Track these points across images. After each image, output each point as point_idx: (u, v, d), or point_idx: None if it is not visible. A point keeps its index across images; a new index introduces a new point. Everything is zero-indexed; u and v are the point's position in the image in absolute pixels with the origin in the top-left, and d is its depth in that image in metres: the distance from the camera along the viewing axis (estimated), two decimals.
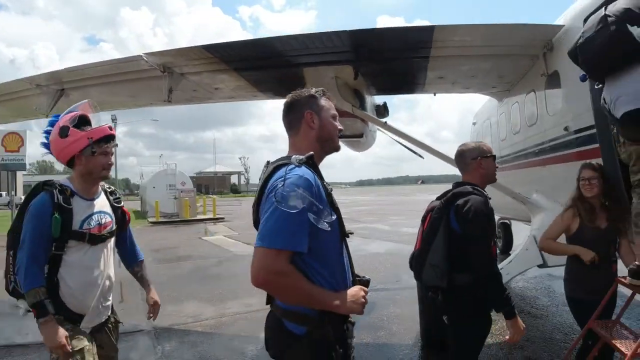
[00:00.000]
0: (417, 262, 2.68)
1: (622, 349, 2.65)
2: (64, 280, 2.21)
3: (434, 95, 6.74)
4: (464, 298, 2.53)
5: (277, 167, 1.67)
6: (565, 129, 4.22)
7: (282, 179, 1.57)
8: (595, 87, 3.32)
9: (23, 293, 2.12)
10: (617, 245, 3.18)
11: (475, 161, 2.73)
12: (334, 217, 1.67)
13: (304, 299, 1.60)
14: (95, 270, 2.31)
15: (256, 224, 1.71)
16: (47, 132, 2.38)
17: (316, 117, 1.81)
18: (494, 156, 2.80)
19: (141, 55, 4.55)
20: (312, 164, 1.70)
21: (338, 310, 1.64)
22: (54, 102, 5.91)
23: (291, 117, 1.84)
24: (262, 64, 4.86)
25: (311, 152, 1.71)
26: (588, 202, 3.19)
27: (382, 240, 13.60)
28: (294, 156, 1.67)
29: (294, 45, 4.43)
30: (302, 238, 1.53)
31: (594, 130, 3.71)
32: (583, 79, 3.20)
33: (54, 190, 2.20)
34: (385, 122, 5.77)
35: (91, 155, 2.27)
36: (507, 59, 4.87)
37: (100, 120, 2.37)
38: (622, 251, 3.16)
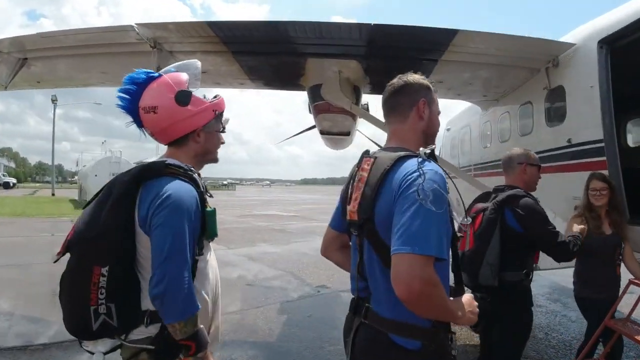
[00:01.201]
0: (472, 261, 2.69)
1: None
2: (197, 287, 1.70)
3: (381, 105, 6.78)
4: (513, 295, 2.69)
5: (402, 159, 1.51)
6: (568, 141, 4.38)
7: (419, 173, 1.41)
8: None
9: (174, 322, 1.54)
10: (621, 249, 3.42)
11: (520, 166, 2.93)
12: (466, 220, 1.57)
13: (443, 312, 1.45)
14: (215, 277, 1.91)
15: (350, 217, 1.62)
16: (132, 92, 1.75)
17: (427, 109, 1.69)
18: (540, 166, 3.00)
19: (132, 26, 4.14)
20: (434, 158, 1.55)
21: (459, 322, 1.52)
22: (13, 72, 5.28)
23: (401, 100, 1.71)
24: (264, 49, 4.62)
25: (433, 146, 1.59)
26: (595, 211, 3.41)
27: None
28: (421, 149, 1.54)
29: (307, 32, 4.25)
30: (447, 243, 1.40)
31: (600, 145, 3.89)
32: None
33: (194, 175, 1.75)
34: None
35: (211, 132, 1.87)
36: (509, 69, 5.00)
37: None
38: (626, 255, 3.43)
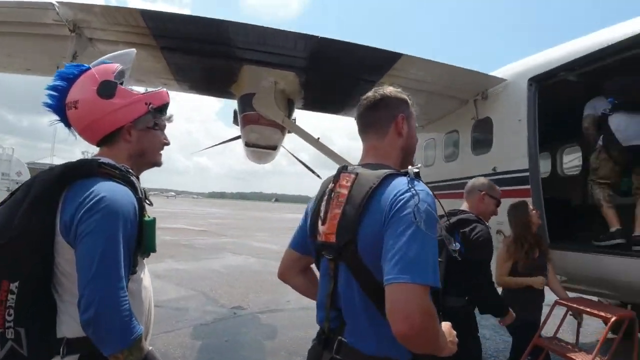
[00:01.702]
0: None
1: (580, 358, 3.07)
2: None
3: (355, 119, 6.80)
4: (456, 321, 2.53)
5: (389, 177, 1.35)
6: (494, 169, 4.60)
7: (412, 193, 1.26)
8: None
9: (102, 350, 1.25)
10: (546, 271, 3.60)
11: (480, 193, 2.99)
12: (455, 245, 1.45)
13: (435, 346, 1.28)
14: (149, 302, 1.59)
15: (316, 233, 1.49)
16: (60, 88, 1.52)
17: (406, 124, 1.55)
18: (499, 202, 3.08)
19: (53, 3, 3.54)
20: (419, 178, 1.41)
21: (443, 353, 1.35)
22: None
23: (380, 114, 1.54)
24: (199, 49, 4.23)
25: (419, 165, 1.43)
26: (531, 235, 3.58)
27: (256, 257, 13.09)
28: (410, 167, 1.38)
29: (249, 36, 3.98)
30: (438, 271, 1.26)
31: (525, 174, 4.13)
32: None
33: (131, 177, 1.45)
34: (318, 139, 5.57)
35: (147, 128, 1.58)
36: (441, 98, 5.18)
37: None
38: (550, 278, 3.63)
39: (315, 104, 6.01)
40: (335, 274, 1.43)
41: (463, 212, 2.90)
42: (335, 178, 1.50)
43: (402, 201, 1.26)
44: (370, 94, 1.60)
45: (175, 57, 4.28)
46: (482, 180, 3.11)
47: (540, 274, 3.51)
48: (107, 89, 1.49)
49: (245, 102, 5.41)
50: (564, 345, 3.43)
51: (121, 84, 1.53)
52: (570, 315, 3.50)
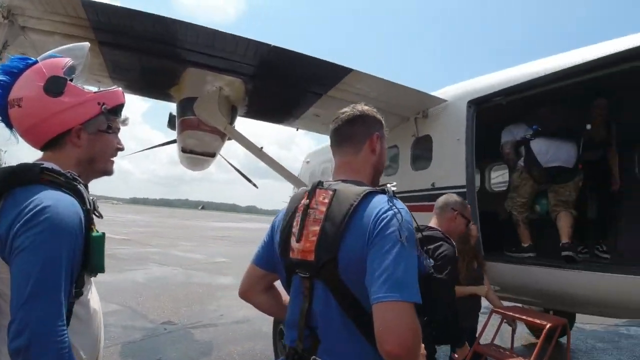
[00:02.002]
0: None
1: None
2: (75, 345, 1.24)
3: (297, 130, 6.79)
4: None
5: (369, 194, 1.35)
6: (432, 184, 4.81)
7: (394, 212, 1.28)
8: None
9: None
10: (483, 282, 3.82)
11: (454, 212, 2.98)
12: (430, 261, 1.47)
13: None
14: (98, 327, 1.43)
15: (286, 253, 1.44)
16: (2, 84, 1.34)
17: (380, 144, 1.59)
18: (470, 221, 3.13)
19: None
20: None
21: None
22: None
23: (357, 129, 1.56)
24: (141, 46, 3.97)
25: (395, 183, 1.43)
26: (470, 248, 3.77)
27: (183, 268, 12.49)
28: (388, 184, 1.39)
29: (198, 38, 3.81)
30: None
31: (463, 190, 4.36)
32: None
33: (78, 186, 1.29)
34: (262, 149, 5.46)
35: (99, 132, 1.43)
36: (383, 113, 5.25)
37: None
38: (487, 287, 3.81)
39: (258, 112, 5.90)
40: (309, 293, 1.37)
41: (431, 228, 2.88)
42: (310, 194, 1.45)
43: (386, 219, 1.26)
44: (348, 109, 1.60)
45: (115, 54, 3.97)
46: (456, 198, 3.08)
47: (479, 284, 3.71)
48: (55, 85, 1.34)
49: (186, 106, 5.17)
50: (502, 351, 3.65)
51: (71, 80, 1.38)
52: (505, 322, 3.71)
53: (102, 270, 1.31)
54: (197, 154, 6.70)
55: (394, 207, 1.29)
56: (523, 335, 5.76)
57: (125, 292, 8.33)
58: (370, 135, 1.56)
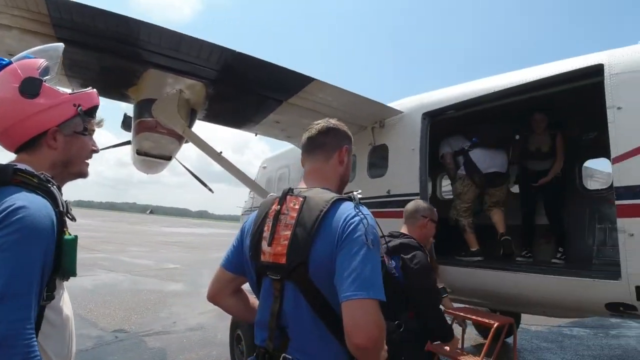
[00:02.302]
0: None
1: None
2: (47, 351, 1.24)
3: (255, 135, 6.82)
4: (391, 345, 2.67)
5: (337, 201, 1.47)
6: (388, 191, 5.02)
7: (360, 217, 1.41)
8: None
9: None
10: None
11: (424, 219, 3.16)
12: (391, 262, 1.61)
13: (381, 358, 1.40)
14: (70, 331, 1.41)
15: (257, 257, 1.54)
16: None
17: (347, 157, 1.74)
18: (438, 224, 3.32)
19: None
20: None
21: None
22: None
23: (328, 141, 1.72)
24: (102, 45, 3.88)
25: (360, 191, 1.57)
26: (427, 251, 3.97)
27: (133, 274, 12.04)
28: (354, 192, 1.53)
29: (162, 40, 3.79)
30: None
31: (417, 197, 4.59)
32: None
33: (51, 187, 1.28)
34: (220, 153, 5.46)
35: (75, 134, 1.42)
36: (342, 122, 5.49)
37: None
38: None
39: (218, 116, 5.88)
40: (281, 294, 1.46)
41: (404, 235, 3.03)
42: (281, 200, 1.55)
43: (353, 224, 1.38)
44: (322, 122, 1.76)
45: (73, 52, 3.85)
46: (424, 204, 3.27)
47: None
48: (30, 86, 1.33)
49: (144, 108, 5.08)
50: (451, 350, 3.82)
51: (45, 81, 1.37)
52: (456, 322, 3.92)
53: (74, 274, 1.31)
54: (153, 157, 6.58)
55: (361, 213, 1.41)
56: (472, 336, 6.07)
57: (73, 299, 7.70)
58: (340, 147, 1.70)
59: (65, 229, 1.28)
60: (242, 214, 10.86)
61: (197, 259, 17.31)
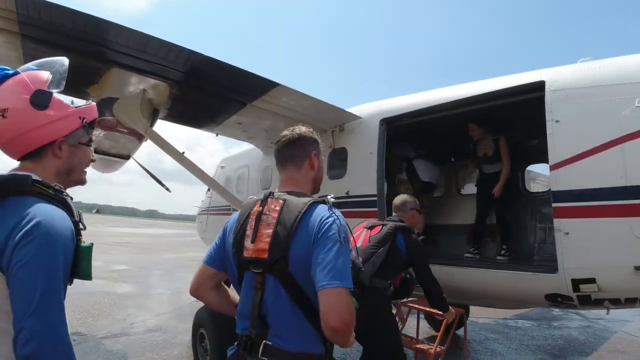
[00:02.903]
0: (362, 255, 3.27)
1: (424, 348, 3.80)
2: None
3: (216, 135, 6.85)
4: (376, 297, 3.26)
5: (313, 204, 1.66)
6: (347, 192, 5.26)
7: (334, 218, 1.61)
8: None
9: None
10: None
11: (412, 211, 3.77)
12: (359, 259, 1.82)
13: (351, 339, 1.60)
14: None
15: (239, 252, 1.68)
16: None
17: (317, 160, 1.91)
18: (423, 214, 3.84)
19: None
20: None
21: (349, 345, 1.66)
22: None
23: (297, 151, 1.86)
24: (67, 44, 3.82)
25: (332, 195, 1.77)
26: None
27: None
28: (329, 196, 1.73)
29: (130, 40, 3.80)
30: None
31: (374, 198, 4.86)
32: None
33: (67, 199, 1.36)
34: (183, 153, 5.48)
35: (78, 144, 1.49)
36: (296, 125, 5.64)
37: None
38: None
39: (179, 116, 5.86)
40: (262, 286, 1.62)
41: (401, 220, 3.59)
42: (263, 202, 1.72)
43: (328, 224, 1.57)
44: (287, 132, 1.90)
45: (36, 48, 3.78)
46: (409, 198, 3.89)
47: None
48: (41, 98, 1.38)
49: (104, 107, 5.00)
50: (410, 340, 4.13)
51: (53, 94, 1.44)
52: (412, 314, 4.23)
53: (90, 278, 1.39)
54: (111, 156, 6.46)
55: (334, 214, 1.62)
56: (424, 330, 6.43)
57: None
58: (309, 154, 1.86)
59: (80, 237, 1.35)
60: (199, 214, 10.78)
61: (148, 261, 16.84)
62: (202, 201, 10.73)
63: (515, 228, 5.54)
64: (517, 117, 5.13)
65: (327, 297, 1.46)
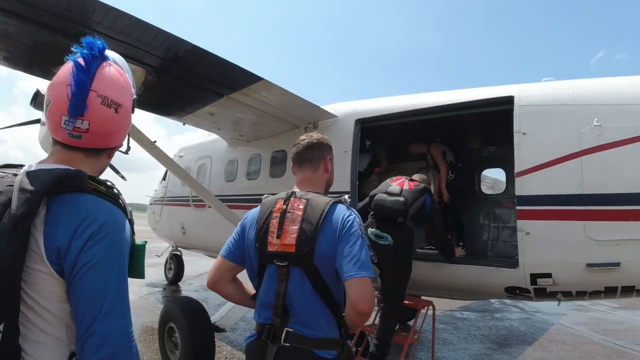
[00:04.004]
0: (405, 201, 4.05)
1: (398, 338, 4.00)
2: None
3: (184, 124, 6.69)
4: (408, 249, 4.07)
5: (334, 204, 1.86)
6: None
7: (354, 216, 1.84)
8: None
9: None
10: None
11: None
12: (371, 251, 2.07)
13: None
14: None
15: (262, 247, 1.85)
16: (91, 70, 1.24)
17: (331, 164, 2.14)
18: None
19: None
20: None
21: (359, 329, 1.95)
22: None
23: (314, 154, 2.07)
24: (42, 20, 3.60)
25: (347, 195, 2.08)
26: None
27: None
28: (345, 196, 1.96)
29: (113, 21, 3.63)
30: None
31: (348, 194, 5.06)
32: None
33: (120, 196, 1.30)
34: (155, 142, 5.33)
35: (116, 150, 1.46)
36: (277, 120, 5.72)
37: None
38: None
39: (148, 103, 5.65)
40: (286, 278, 1.79)
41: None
42: (286, 201, 1.89)
43: (350, 222, 1.79)
44: (305, 137, 2.10)
45: (9, 23, 3.53)
46: (421, 176, 4.67)
47: None
48: (135, 104, 1.39)
49: None
50: None
51: None
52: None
53: (143, 276, 1.36)
54: None
55: (353, 213, 1.84)
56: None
57: None
58: (325, 158, 2.07)
59: (134, 235, 1.32)
60: (151, 204, 10.42)
61: None
62: (156, 191, 10.38)
63: (470, 226, 6.00)
64: (479, 126, 5.54)
65: (356, 285, 1.66)
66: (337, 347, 1.77)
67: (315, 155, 2.04)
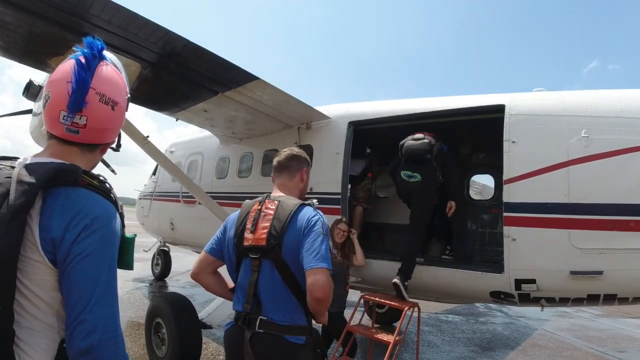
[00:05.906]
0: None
1: (384, 338, 4.05)
2: None
3: (177, 120, 6.67)
4: None
5: (301, 205, 2.12)
6: (310, 189, 5.42)
7: (318, 217, 2.07)
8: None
9: None
10: (348, 273, 4.67)
11: None
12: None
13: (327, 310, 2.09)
14: None
15: (239, 242, 2.10)
16: (91, 66, 1.28)
17: (306, 176, 2.40)
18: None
19: None
20: None
21: (324, 319, 2.12)
22: None
23: (293, 164, 2.34)
24: (42, 11, 3.58)
25: (316, 201, 2.22)
26: (335, 243, 4.48)
27: None
28: (313, 200, 2.20)
29: (112, 15, 3.63)
30: None
31: (337, 196, 5.09)
32: None
33: (112, 190, 1.34)
34: (147, 137, 5.32)
35: (108, 147, 1.51)
36: (271, 119, 5.73)
37: None
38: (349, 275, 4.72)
39: (142, 98, 5.64)
40: (258, 269, 2.04)
41: None
42: (262, 202, 2.17)
43: (314, 221, 2.03)
44: (288, 150, 2.39)
45: (6, 13, 3.51)
46: None
47: (342, 275, 4.46)
48: (128, 102, 1.44)
49: None
50: (369, 329, 4.42)
51: None
52: (372, 305, 4.53)
53: (132, 268, 1.41)
54: None
55: (318, 214, 2.09)
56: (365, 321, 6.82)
57: None
58: (301, 169, 2.35)
59: (124, 228, 1.37)
60: (140, 198, 10.36)
61: None
62: (145, 185, 10.32)
63: (458, 231, 6.07)
64: (470, 132, 5.62)
65: (313, 274, 1.89)
66: (305, 333, 2.01)
67: (293, 165, 2.31)
